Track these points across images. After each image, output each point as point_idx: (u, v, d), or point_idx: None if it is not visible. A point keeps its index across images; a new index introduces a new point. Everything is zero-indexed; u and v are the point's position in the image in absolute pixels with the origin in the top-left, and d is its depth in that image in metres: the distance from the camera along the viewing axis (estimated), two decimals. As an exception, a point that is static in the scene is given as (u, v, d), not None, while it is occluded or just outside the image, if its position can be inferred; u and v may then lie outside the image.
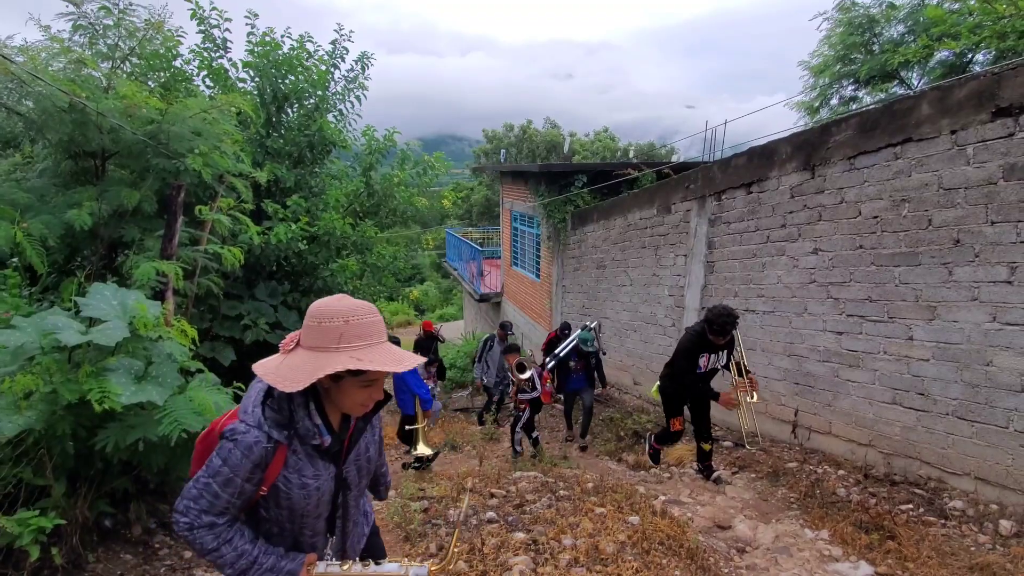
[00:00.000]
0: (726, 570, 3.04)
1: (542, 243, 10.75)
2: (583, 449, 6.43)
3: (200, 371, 3.71)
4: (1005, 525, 3.20)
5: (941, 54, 7.64)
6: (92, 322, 3.12)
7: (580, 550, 3.10)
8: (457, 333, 18.76)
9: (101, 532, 3.56)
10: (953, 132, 3.43)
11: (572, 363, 6.29)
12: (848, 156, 4.11)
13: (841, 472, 4.21)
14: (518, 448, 5.90)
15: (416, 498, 4.09)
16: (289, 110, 6.94)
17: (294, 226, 5.81)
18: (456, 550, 3.08)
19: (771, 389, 5.15)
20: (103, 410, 2.86)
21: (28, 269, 4.17)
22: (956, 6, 7.23)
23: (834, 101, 9.04)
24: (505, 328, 7.89)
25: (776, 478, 4.43)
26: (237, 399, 2.71)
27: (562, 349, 6.24)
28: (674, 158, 15.11)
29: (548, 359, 6.27)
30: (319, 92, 7.12)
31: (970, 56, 7.59)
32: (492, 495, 4.29)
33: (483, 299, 14.46)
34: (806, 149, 4.49)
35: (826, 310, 4.47)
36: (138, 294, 3.44)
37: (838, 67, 8.54)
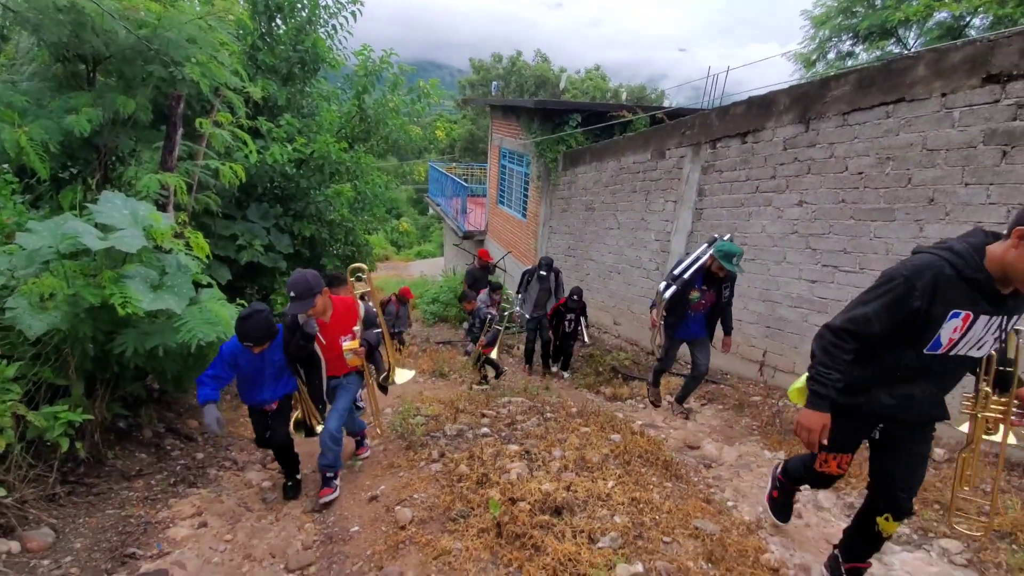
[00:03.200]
0: (695, 479, 3.46)
1: (531, 182, 10.76)
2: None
3: (209, 285, 3.81)
4: (939, 452, 3.70)
5: (940, 15, 7.69)
6: (105, 230, 3.15)
7: (568, 460, 3.45)
8: (437, 270, 18.87)
9: (117, 433, 3.76)
10: (943, 95, 3.62)
11: (696, 293, 4.08)
12: (843, 112, 4.28)
13: (797, 405, 4.68)
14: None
15: (414, 415, 4.39)
16: (280, 22, 6.61)
17: (289, 147, 5.72)
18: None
19: (743, 332, 5.54)
20: (125, 314, 2.97)
21: (18, 173, 4.08)
22: (962, -34, 7.21)
23: (831, 55, 9.07)
24: (545, 262, 6.98)
25: (741, 409, 4.88)
26: None
27: (685, 268, 4.05)
28: (664, 103, 14.96)
29: (665, 287, 4.12)
30: (311, 3, 6.78)
31: (968, 20, 7.66)
32: (484, 415, 4.61)
33: (467, 236, 14.50)
34: (803, 102, 4.63)
35: (803, 260, 4.77)
36: (147, 205, 3.46)
37: (839, 19, 8.50)
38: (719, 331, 4.36)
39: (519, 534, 2.55)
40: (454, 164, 21.92)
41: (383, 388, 3.91)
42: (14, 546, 2.56)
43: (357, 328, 3.22)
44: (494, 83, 20.49)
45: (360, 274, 3.56)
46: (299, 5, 6.71)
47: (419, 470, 3.45)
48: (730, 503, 3.17)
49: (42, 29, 3.86)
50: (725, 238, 4.11)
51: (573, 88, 25.44)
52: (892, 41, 8.61)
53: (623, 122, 9.09)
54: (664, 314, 4.25)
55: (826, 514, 3.11)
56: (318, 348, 3.16)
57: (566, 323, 6.74)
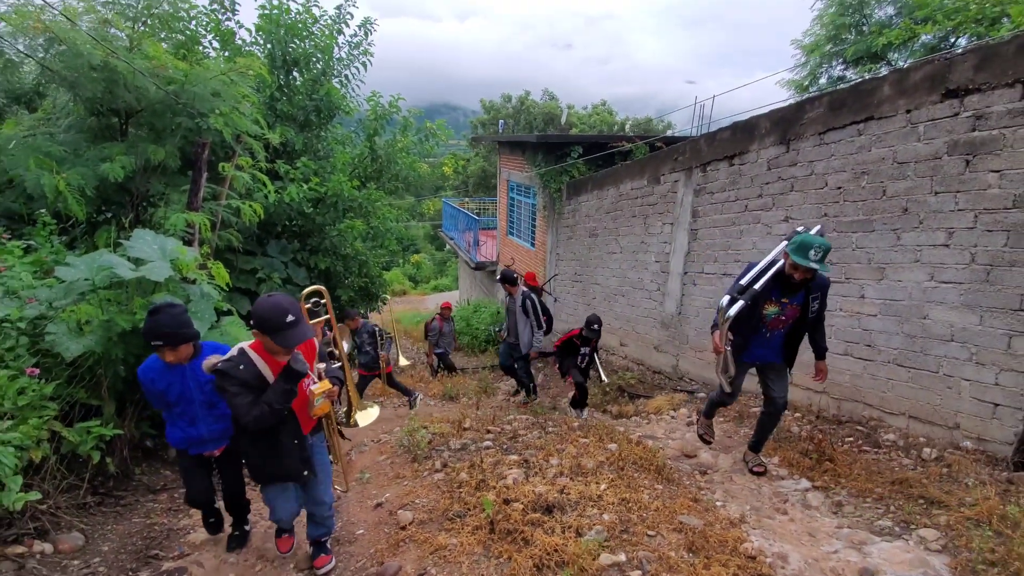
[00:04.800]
0: (687, 482, 3.57)
1: (538, 212, 11.12)
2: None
3: (229, 312, 4.14)
4: (928, 452, 3.75)
5: (925, 37, 7.97)
6: (136, 263, 3.51)
7: (565, 466, 3.61)
8: (452, 302, 19.25)
9: (144, 451, 4.04)
10: (908, 111, 3.84)
11: (773, 307, 3.25)
12: (819, 132, 4.52)
13: (797, 415, 4.76)
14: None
15: (420, 431, 4.59)
16: (297, 74, 7.19)
17: (305, 186, 6.16)
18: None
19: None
20: (153, 337, 3.27)
21: (55, 217, 4.52)
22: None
23: (823, 80, 9.37)
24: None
25: (741, 420, 4.97)
26: None
27: (756, 276, 3.22)
28: (669, 132, 15.40)
29: (729, 302, 3.20)
30: (325, 57, 7.37)
31: (953, 40, 7.92)
32: (488, 431, 4.79)
33: (479, 267, 14.87)
34: (783, 125, 4.89)
35: (793, 273, 4.93)
36: (175, 240, 3.83)
37: (828, 47, 8.84)
38: (802, 354, 3.45)
39: (511, 530, 2.72)
40: (467, 199, 22.60)
41: (342, 434, 3.28)
42: (47, 548, 2.81)
43: (320, 365, 2.57)
44: (501, 121, 21.29)
45: (318, 299, 3.02)
46: (314, 59, 7.31)
47: (422, 479, 3.63)
48: (718, 502, 3.27)
49: (78, 86, 4.35)
50: (813, 231, 3.14)
51: (580, 123, 26.22)
52: (882, 64, 8.89)
53: (623, 151, 9.46)
54: (730, 336, 3.25)
55: (813, 512, 3.20)
56: None
57: (579, 357, 6.00)
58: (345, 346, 3.18)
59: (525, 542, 2.61)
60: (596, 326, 5.75)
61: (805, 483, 3.54)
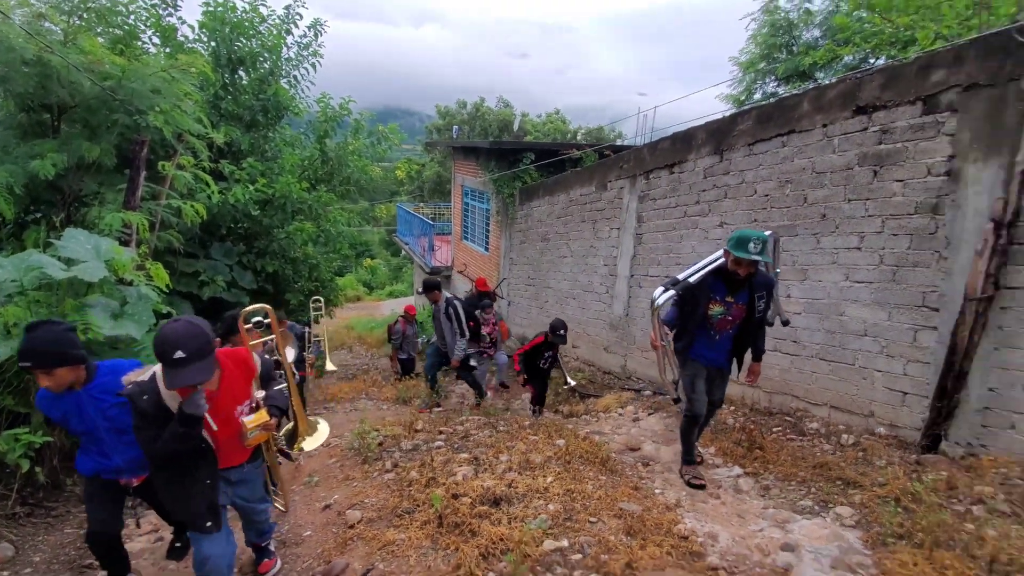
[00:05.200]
0: (629, 473, 3.74)
1: (491, 217, 11.25)
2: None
3: (170, 314, 4.02)
4: (846, 438, 4.08)
5: (848, 58, 8.64)
6: (68, 263, 3.37)
7: (513, 462, 3.71)
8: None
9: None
10: (824, 126, 4.20)
11: (718, 306, 3.20)
12: (748, 143, 4.85)
13: (732, 408, 5.05)
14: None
15: (371, 433, 4.58)
16: (243, 73, 7.04)
17: (251, 187, 6.03)
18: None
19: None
20: (86, 341, 3.17)
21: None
22: (864, 14, 8.19)
23: (757, 95, 9.99)
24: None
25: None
26: None
27: (692, 272, 3.24)
28: (619, 142, 15.91)
29: (661, 292, 3.22)
30: (273, 57, 7.25)
31: (872, 60, 8.62)
32: (441, 432, 4.84)
33: (434, 272, 14.83)
34: (717, 136, 5.22)
35: (729, 274, 5.25)
36: (110, 240, 3.71)
37: (762, 64, 9.45)
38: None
39: (459, 523, 2.79)
40: (422, 204, 22.48)
41: (286, 454, 3.12)
42: (-27, 560, 2.66)
43: (258, 393, 2.29)
44: (455, 127, 21.36)
45: (258, 318, 2.73)
46: (261, 58, 7.18)
47: (372, 480, 3.65)
48: (657, 490, 3.45)
49: (9, 81, 4.15)
50: (767, 234, 3.10)
51: (535, 131, 26.64)
52: (810, 82, 9.57)
53: (574, 159, 9.73)
54: (667, 333, 3.23)
55: (743, 495, 3.42)
56: (204, 432, 2.08)
57: (542, 361, 6.01)
58: (291, 354, 2.97)
59: (472, 533, 2.68)
60: (562, 331, 5.68)
61: (737, 470, 3.78)
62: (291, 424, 2.92)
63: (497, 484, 3.25)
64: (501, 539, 2.59)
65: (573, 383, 6.82)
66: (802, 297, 4.52)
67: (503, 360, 7.49)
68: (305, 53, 7.54)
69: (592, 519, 2.88)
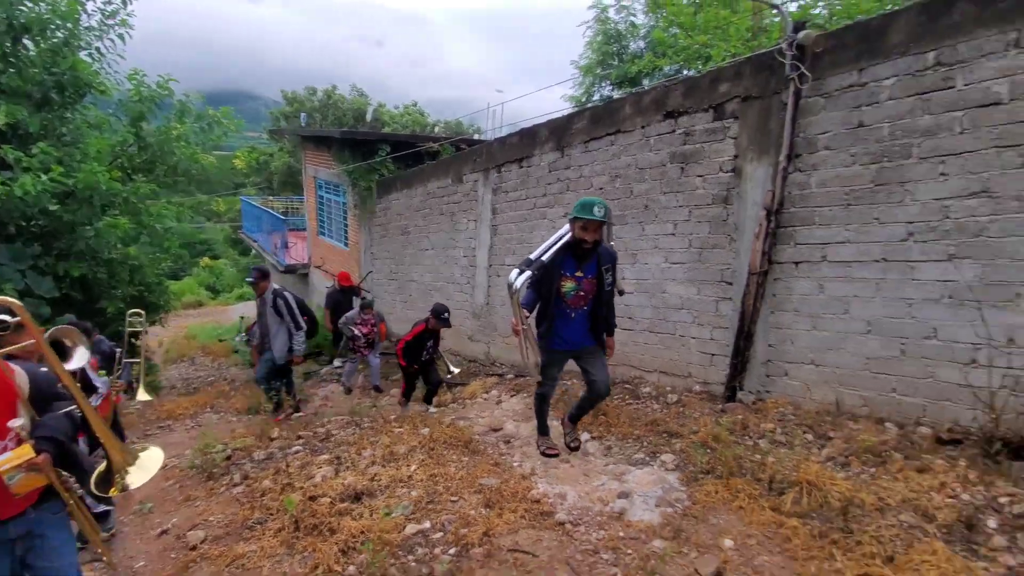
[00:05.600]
0: (491, 452, 3.96)
1: (349, 211, 10.82)
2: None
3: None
4: (671, 397, 4.75)
5: (668, 68, 9.83)
6: None
7: (377, 456, 3.71)
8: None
9: None
10: (643, 127, 4.80)
11: (570, 283, 3.20)
12: (584, 141, 5.34)
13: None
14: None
15: (216, 448, 4.21)
16: (30, 43, 5.87)
17: (44, 177, 5.09)
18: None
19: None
20: None
21: None
22: (676, 31, 9.37)
23: (596, 97, 10.95)
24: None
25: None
26: None
27: (544, 250, 3.18)
28: (476, 136, 16.27)
29: (517, 274, 3.07)
30: (68, 24, 6.16)
31: (686, 72, 9.90)
32: (300, 437, 4.62)
33: (288, 270, 13.83)
34: (558, 133, 5.65)
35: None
36: None
37: (599, 70, 10.38)
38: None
39: (316, 524, 2.74)
40: (271, 198, 20.68)
41: (105, 499, 2.57)
42: None
43: (17, 422, 1.76)
44: (303, 114, 19.98)
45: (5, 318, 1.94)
46: (53, 26, 6.05)
47: (218, 496, 3.39)
48: (515, 463, 3.71)
49: None
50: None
51: (392, 122, 25.95)
52: (638, 88, 10.75)
53: (432, 152, 9.75)
54: (527, 316, 3.13)
55: (590, 457, 3.83)
56: None
57: (424, 352, 5.87)
58: (79, 360, 2.08)
59: (331, 531, 2.66)
60: (446, 315, 5.53)
61: (586, 435, 4.20)
62: (103, 466, 2.13)
63: (359, 479, 3.23)
64: (362, 532, 2.61)
65: (456, 370, 6.81)
66: (633, 278, 5.12)
67: (375, 363, 7.32)
68: (111, 22, 6.50)
69: (454, 498, 3.02)
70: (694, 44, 7.12)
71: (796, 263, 3.90)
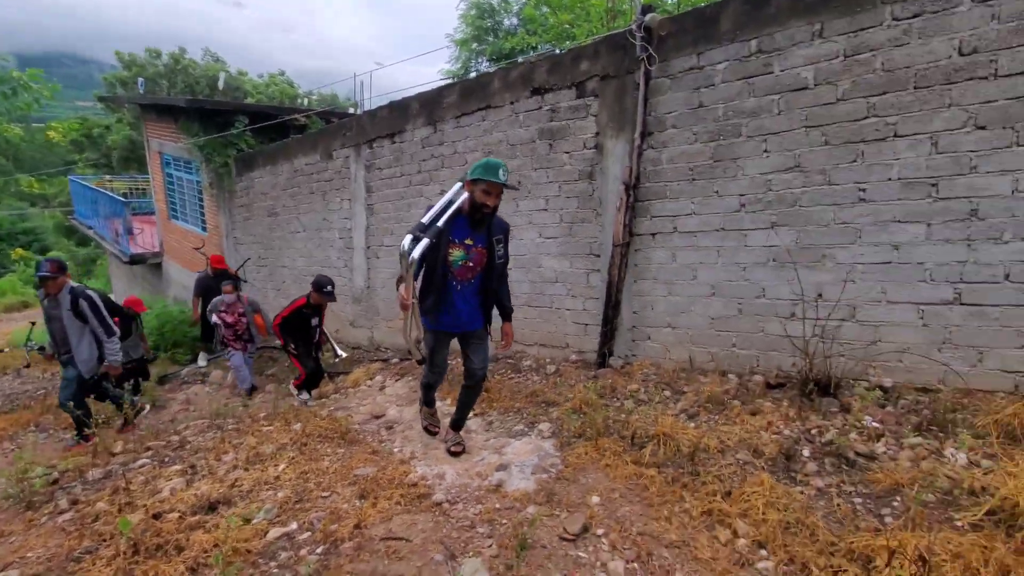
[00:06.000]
0: (370, 440, 3.83)
1: (205, 191, 9.69)
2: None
3: None
4: (550, 368, 4.94)
5: (543, 46, 9.96)
6: None
7: (240, 459, 3.41)
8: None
9: None
10: (512, 103, 4.82)
11: (458, 250, 2.95)
12: (456, 116, 5.25)
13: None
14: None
15: (34, 472, 3.60)
16: None
17: None
18: None
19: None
20: None
21: None
22: (546, 9, 9.50)
23: (473, 73, 10.83)
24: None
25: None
26: None
27: (437, 214, 2.85)
28: (351, 111, 15.37)
29: (412, 241, 2.76)
30: None
31: (558, 50, 10.11)
32: (148, 448, 4.11)
33: (135, 261, 12.13)
34: (429, 107, 5.49)
35: (453, 239, 5.69)
36: None
37: (475, 45, 10.25)
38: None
39: (161, 544, 2.44)
40: (108, 178, 17.86)
41: None
42: None
43: None
44: (140, 80, 17.41)
45: None
46: None
47: (39, 527, 2.90)
48: (396, 449, 3.63)
49: None
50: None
51: (257, 92, 23.62)
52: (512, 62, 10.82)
53: (299, 125, 9.02)
54: (415, 288, 2.81)
55: (472, 434, 3.86)
56: None
57: (312, 332, 5.42)
58: None
59: (178, 549, 2.39)
60: (329, 288, 4.99)
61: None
62: None
63: (216, 488, 2.95)
64: (215, 545, 2.38)
65: (344, 354, 6.38)
66: (512, 254, 5.18)
67: (238, 361, 6.48)
68: None
69: (325, 494, 2.87)
70: (560, 23, 7.26)
71: (653, 234, 4.20)
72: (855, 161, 3.25)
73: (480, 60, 10.70)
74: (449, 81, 9.81)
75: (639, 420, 3.45)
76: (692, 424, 3.37)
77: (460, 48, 10.53)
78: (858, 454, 2.82)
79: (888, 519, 2.40)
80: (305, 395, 5.59)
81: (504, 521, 2.60)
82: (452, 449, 3.45)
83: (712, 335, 4.01)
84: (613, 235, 4.30)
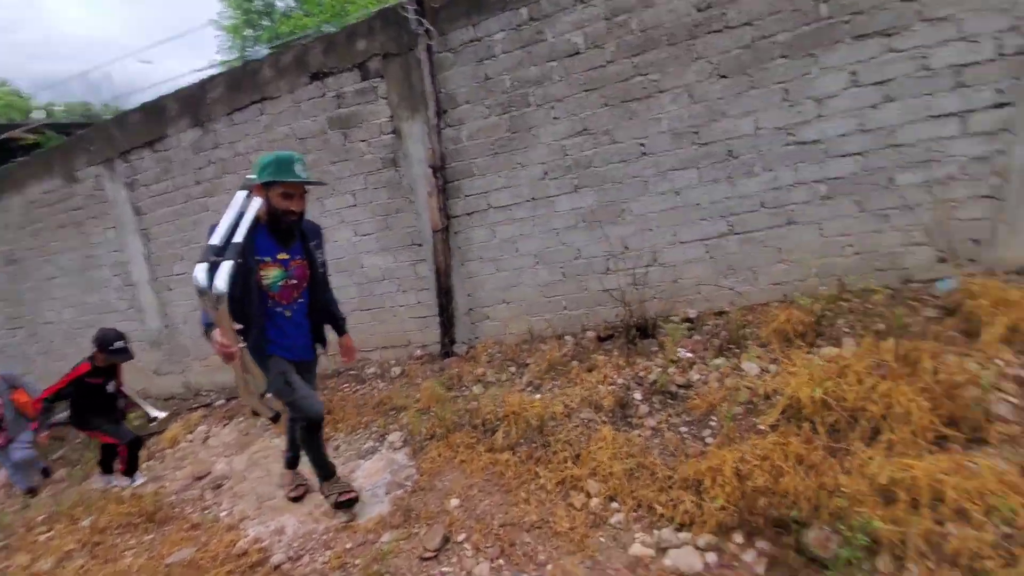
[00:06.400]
0: (189, 511, 3.23)
1: (-101, 248, 7.25)
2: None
3: None
4: (395, 370, 4.66)
5: (326, 26, 9.17)
6: None
7: (-1, 594, 2.60)
8: None
9: None
10: (290, 92, 4.29)
11: (274, 269, 2.47)
12: (227, 112, 4.53)
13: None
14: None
15: None
16: None
17: None
18: None
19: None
20: None
21: None
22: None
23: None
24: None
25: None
26: None
27: (229, 230, 2.20)
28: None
29: (208, 271, 2.03)
30: None
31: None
32: None
33: None
34: (192, 106, 4.66)
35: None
36: None
37: (248, 31, 9.05)
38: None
39: None
40: None
41: None
42: None
43: None
44: None
45: None
46: None
47: None
48: (224, 513, 3.10)
49: None
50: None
51: (-33, 107, 18.35)
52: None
53: (30, 144, 7.16)
54: (233, 325, 2.15)
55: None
56: None
57: (108, 399, 4.22)
58: None
59: None
60: (119, 343, 3.92)
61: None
62: None
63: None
64: None
65: (162, 414, 5.21)
66: (330, 258, 4.72)
67: (18, 455, 4.89)
68: None
69: (125, 603, 2.31)
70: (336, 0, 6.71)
71: (469, 214, 4.11)
72: (631, 119, 3.48)
73: (255, 47, 9.51)
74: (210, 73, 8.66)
75: (488, 404, 3.38)
76: (538, 396, 3.41)
77: (232, 35, 9.22)
78: (679, 386, 3.09)
79: (709, 439, 2.67)
80: (137, 478, 4.24)
81: (357, 561, 2.35)
82: (292, 495, 3.03)
83: (544, 302, 4.10)
84: (431, 221, 4.12)
